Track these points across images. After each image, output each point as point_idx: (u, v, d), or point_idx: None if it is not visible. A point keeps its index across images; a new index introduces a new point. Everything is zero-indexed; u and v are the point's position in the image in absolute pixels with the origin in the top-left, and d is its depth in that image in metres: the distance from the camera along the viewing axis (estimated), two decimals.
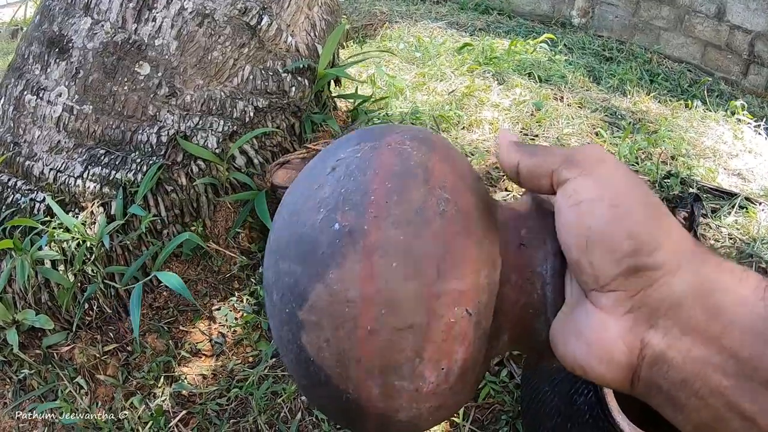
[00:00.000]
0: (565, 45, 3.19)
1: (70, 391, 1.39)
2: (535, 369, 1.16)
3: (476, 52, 2.69)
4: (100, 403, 1.39)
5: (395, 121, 2.03)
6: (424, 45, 2.81)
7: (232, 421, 1.31)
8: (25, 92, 1.56)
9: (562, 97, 2.47)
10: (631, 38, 3.52)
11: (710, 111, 2.71)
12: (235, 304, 1.48)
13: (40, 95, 1.54)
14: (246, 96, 1.57)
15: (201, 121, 1.52)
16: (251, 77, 1.58)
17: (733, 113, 2.64)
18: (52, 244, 1.45)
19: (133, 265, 1.39)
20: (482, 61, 2.61)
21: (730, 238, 1.80)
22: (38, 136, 1.55)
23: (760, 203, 1.92)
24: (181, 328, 1.47)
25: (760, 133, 2.53)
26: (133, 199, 1.47)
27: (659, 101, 2.76)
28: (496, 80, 2.48)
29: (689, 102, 2.77)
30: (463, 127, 2.13)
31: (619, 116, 2.44)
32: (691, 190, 2.03)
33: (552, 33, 3.25)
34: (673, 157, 2.19)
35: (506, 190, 1.91)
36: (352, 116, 1.92)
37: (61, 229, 1.45)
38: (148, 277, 1.39)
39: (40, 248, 1.41)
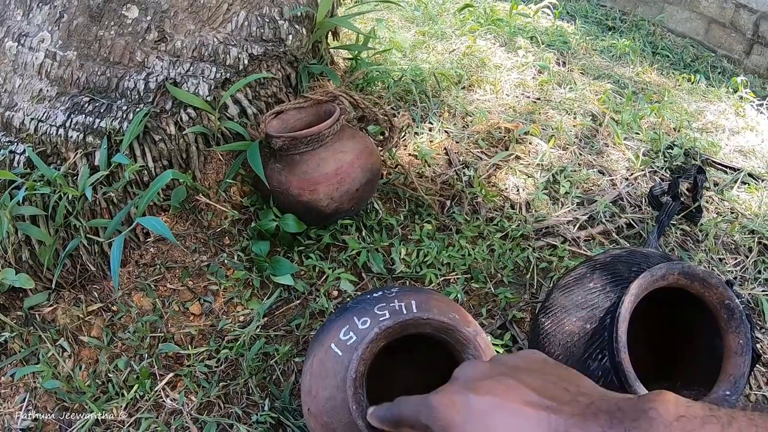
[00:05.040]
0: (567, 11, 3.12)
1: (52, 354, 1.31)
2: (545, 333, 1.10)
3: (477, 14, 2.61)
4: (83, 366, 1.32)
5: (395, 77, 1.96)
6: (423, 3, 2.72)
7: (221, 383, 1.24)
8: (6, 39, 1.47)
9: (565, 62, 2.40)
10: (635, 9, 3.44)
11: (713, 87, 2.67)
12: (226, 261, 1.40)
13: (22, 42, 1.45)
14: (240, 43, 1.48)
15: (192, 68, 1.43)
16: (246, 23, 1.48)
17: (735, 90, 2.60)
18: (33, 198, 1.36)
19: (116, 216, 1.31)
20: (483, 23, 2.53)
21: (732, 213, 1.77)
22: (19, 85, 1.46)
23: (763, 180, 1.89)
24: (168, 285, 1.39)
25: (762, 113, 2.50)
26: (118, 149, 1.38)
27: (662, 73, 2.71)
28: (498, 42, 2.40)
29: (692, 76, 2.72)
30: (464, 87, 2.06)
31: (623, 84, 2.39)
32: (694, 161, 2.00)
33: None
34: (675, 129, 2.15)
35: (506, 149, 1.85)
36: (350, 68, 1.83)
37: (42, 182, 1.36)
38: (131, 226, 1.31)
39: (18, 203, 1.32)
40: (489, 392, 0.47)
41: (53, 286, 1.37)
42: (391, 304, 0.94)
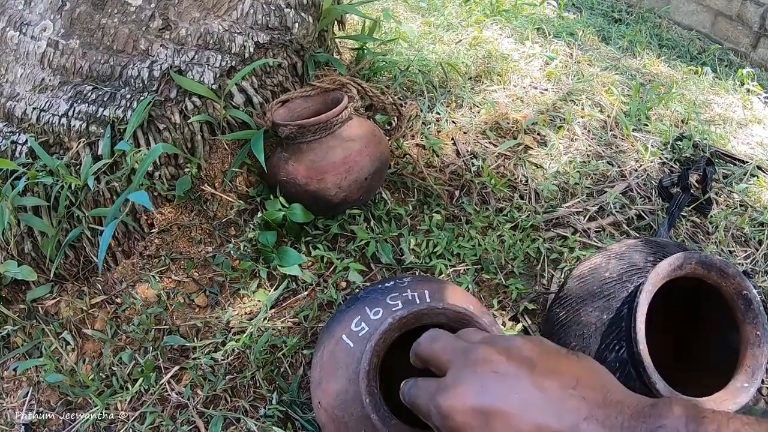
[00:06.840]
0: (573, 3, 3.10)
1: (55, 347, 1.29)
2: (560, 324, 1.08)
3: (483, 5, 2.59)
4: (87, 360, 1.30)
5: (401, 67, 1.93)
6: None
7: (228, 377, 1.22)
8: (8, 28, 1.44)
9: (572, 54, 2.37)
10: (641, 1, 3.42)
11: (720, 79, 2.65)
12: (232, 252, 1.38)
13: (23, 31, 1.42)
14: (245, 31, 1.45)
15: (197, 56, 1.40)
16: (252, 11, 1.46)
17: (742, 83, 2.58)
18: (35, 188, 1.34)
19: (116, 202, 1.28)
20: (489, 13, 2.51)
21: (742, 205, 1.75)
22: (21, 75, 1.43)
23: None
24: (173, 277, 1.37)
25: None
26: (122, 138, 1.35)
27: (669, 65, 2.68)
28: (505, 33, 2.38)
29: (699, 69, 2.70)
30: (471, 78, 2.03)
31: (630, 76, 2.36)
32: (703, 153, 1.98)
33: None
34: (684, 121, 2.12)
35: (514, 137, 1.83)
36: (356, 57, 1.81)
37: (44, 172, 1.34)
38: (127, 209, 1.29)
39: (20, 193, 1.30)
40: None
41: (52, 277, 1.34)
42: (404, 294, 0.92)
